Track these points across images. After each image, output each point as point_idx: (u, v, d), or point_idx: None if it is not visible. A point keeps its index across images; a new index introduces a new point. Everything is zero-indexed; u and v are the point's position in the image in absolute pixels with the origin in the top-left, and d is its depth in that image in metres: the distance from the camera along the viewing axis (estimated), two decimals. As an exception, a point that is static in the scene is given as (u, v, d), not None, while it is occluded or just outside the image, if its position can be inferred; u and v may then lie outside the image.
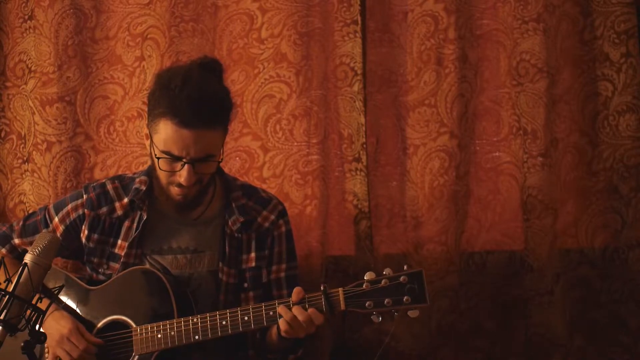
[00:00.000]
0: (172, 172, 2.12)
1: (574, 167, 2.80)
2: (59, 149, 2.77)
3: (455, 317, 2.76)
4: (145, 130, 2.20)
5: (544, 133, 2.72)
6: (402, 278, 1.99)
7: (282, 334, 2.06)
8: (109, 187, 2.32)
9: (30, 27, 2.80)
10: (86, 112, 2.81)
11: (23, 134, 2.83)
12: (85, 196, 2.31)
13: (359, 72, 2.75)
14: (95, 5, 2.81)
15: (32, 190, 2.78)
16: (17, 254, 2.35)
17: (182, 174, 2.09)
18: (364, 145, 2.76)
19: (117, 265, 2.25)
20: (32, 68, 2.79)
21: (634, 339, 2.76)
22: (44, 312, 1.76)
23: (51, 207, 2.36)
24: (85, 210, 2.30)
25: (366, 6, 2.80)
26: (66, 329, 2.14)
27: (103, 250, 2.29)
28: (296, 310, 2.02)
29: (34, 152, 2.78)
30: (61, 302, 2.24)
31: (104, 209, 2.29)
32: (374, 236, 2.78)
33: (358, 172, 2.76)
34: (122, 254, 2.25)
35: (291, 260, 2.35)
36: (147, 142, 2.21)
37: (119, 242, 2.28)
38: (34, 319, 1.74)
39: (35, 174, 2.79)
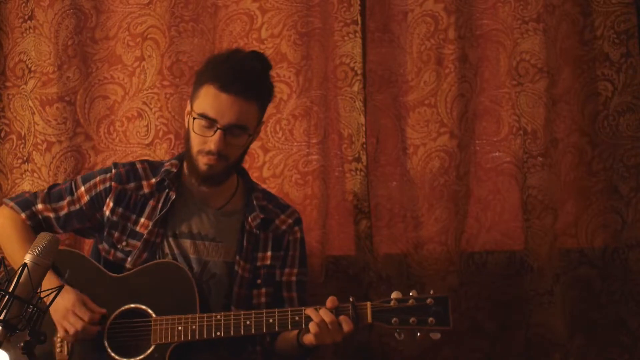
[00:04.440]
0: (204, 138, 2.18)
1: (574, 167, 2.80)
2: (59, 149, 2.78)
3: (455, 317, 2.74)
4: (187, 108, 2.27)
5: (544, 133, 2.72)
6: (428, 300, 2.05)
7: (312, 337, 2.08)
8: (139, 166, 2.36)
9: (30, 27, 2.80)
10: (86, 112, 2.81)
11: (23, 134, 2.83)
12: (114, 170, 2.34)
13: (359, 72, 2.75)
14: (95, 5, 2.81)
15: (32, 190, 2.78)
16: (37, 221, 2.34)
17: (213, 139, 2.17)
18: (364, 145, 2.76)
19: (137, 243, 2.28)
20: (32, 68, 2.79)
21: (634, 339, 2.76)
22: (44, 312, 1.76)
23: (79, 177, 2.38)
24: (113, 183, 2.32)
25: (366, 6, 2.80)
26: (70, 302, 2.15)
27: (125, 226, 2.31)
28: (324, 313, 2.06)
29: (34, 152, 2.79)
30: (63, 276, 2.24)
31: (132, 185, 2.33)
32: (374, 236, 2.78)
33: (358, 172, 2.76)
34: (145, 232, 2.28)
35: (302, 266, 2.40)
36: (187, 119, 2.27)
37: (142, 220, 2.30)
38: (34, 319, 1.74)
39: (35, 174, 2.79)
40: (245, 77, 2.19)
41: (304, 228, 2.69)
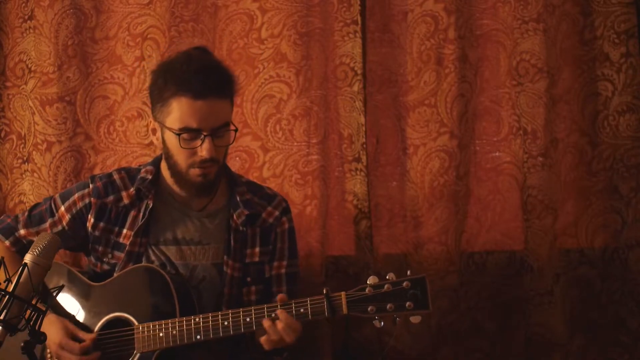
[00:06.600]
0: (193, 150, 2.15)
1: (574, 167, 2.80)
2: (59, 149, 2.78)
3: (455, 317, 2.76)
4: (153, 125, 2.23)
5: (544, 133, 2.72)
6: (404, 283, 1.98)
7: (264, 344, 2.08)
8: (116, 177, 2.34)
9: (30, 27, 2.80)
10: (86, 112, 2.81)
11: (23, 134, 2.83)
12: (91, 185, 2.32)
13: (359, 72, 2.75)
14: (95, 5, 2.81)
15: (32, 190, 2.78)
16: (22, 246, 2.35)
17: (204, 147, 2.13)
18: (364, 145, 2.76)
19: (121, 255, 2.27)
20: (32, 68, 2.79)
21: (634, 339, 2.76)
22: (44, 312, 1.76)
23: (57, 196, 2.37)
24: (92, 199, 2.31)
25: (366, 6, 2.80)
26: (57, 338, 2.14)
27: (108, 239, 2.30)
28: (266, 322, 2.04)
29: (34, 152, 2.79)
30: (50, 301, 2.23)
31: (111, 198, 2.30)
32: (374, 236, 2.78)
33: (358, 172, 2.76)
34: (128, 243, 2.26)
35: (292, 258, 2.36)
36: (156, 136, 2.24)
37: (125, 231, 2.29)
38: (34, 319, 1.74)
39: (35, 174, 2.79)
40: (212, 77, 2.15)
41: (304, 228, 2.69)
